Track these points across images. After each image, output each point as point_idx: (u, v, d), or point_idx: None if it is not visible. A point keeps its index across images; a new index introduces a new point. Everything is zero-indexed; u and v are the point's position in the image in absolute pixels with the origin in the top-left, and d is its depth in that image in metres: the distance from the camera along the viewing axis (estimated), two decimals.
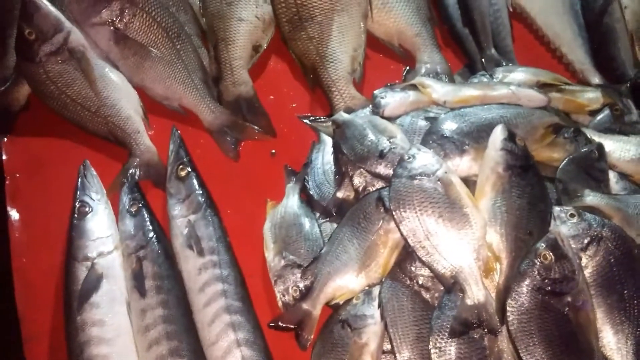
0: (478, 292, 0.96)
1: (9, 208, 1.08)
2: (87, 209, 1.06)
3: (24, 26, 1.11)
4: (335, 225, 1.12)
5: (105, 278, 1.01)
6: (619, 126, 1.14)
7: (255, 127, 1.21)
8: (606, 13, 1.33)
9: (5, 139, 1.14)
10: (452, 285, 0.98)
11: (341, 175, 1.14)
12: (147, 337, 0.97)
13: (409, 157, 1.04)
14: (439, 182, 1.02)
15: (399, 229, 1.01)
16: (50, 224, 1.08)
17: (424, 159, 1.04)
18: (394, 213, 1.02)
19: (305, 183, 1.17)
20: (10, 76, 1.18)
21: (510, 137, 1.04)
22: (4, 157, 1.12)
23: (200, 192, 1.11)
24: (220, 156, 1.20)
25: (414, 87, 1.21)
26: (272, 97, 1.26)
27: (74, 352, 0.95)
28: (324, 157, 1.19)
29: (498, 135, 1.04)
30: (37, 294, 1.02)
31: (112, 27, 1.17)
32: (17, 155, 1.13)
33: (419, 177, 1.03)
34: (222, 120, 1.20)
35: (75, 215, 1.06)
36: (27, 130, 1.16)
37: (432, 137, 1.10)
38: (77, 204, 1.07)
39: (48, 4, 1.13)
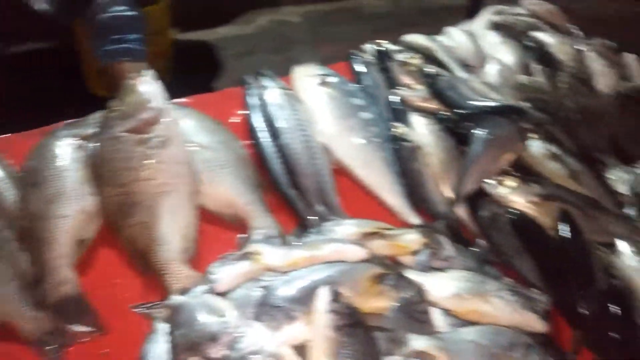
0: None
1: None
2: None
3: None
4: None
5: None
6: (435, 263, 1.22)
7: (81, 328, 1.14)
8: (413, 160, 1.50)
9: None
10: None
11: None
12: None
13: (238, 336, 1.03)
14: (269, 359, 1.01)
15: None
16: None
17: (253, 335, 1.03)
18: None
19: None
20: None
21: (334, 296, 1.07)
22: None
23: None
24: None
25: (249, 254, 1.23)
26: (101, 290, 1.21)
27: None
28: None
29: (321, 298, 1.07)
30: None
31: None
32: None
33: (250, 356, 1.01)
34: (43, 327, 1.12)
35: None
36: None
37: (264, 309, 1.10)
38: None
39: None
